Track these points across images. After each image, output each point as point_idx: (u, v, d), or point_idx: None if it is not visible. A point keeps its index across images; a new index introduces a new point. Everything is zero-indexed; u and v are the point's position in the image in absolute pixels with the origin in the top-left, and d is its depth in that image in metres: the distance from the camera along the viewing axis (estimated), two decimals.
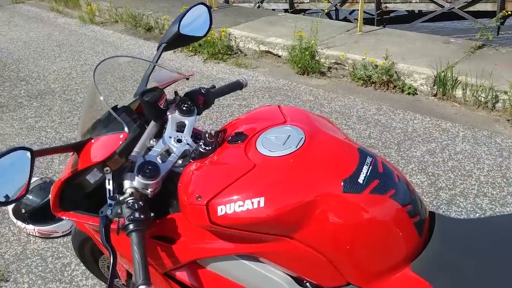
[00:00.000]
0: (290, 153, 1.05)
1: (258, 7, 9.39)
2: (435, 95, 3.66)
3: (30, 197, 2.50)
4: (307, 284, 1.12)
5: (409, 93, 3.76)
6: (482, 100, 3.39)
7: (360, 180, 1.00)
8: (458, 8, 7.56)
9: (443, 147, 3.02)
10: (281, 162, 1.04)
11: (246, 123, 1.22)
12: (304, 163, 1.03)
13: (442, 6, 7.81)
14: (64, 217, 1.31)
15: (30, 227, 2.52)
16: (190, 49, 5.08)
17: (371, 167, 1.04)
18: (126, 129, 1.13)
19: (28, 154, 1.04)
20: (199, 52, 5.05)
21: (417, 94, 3.75)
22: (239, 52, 5.04)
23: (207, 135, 1.18)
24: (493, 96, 3.34)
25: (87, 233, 1.61)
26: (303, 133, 1.10)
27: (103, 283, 2.10)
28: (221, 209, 1.01)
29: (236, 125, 1.24)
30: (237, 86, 1.52)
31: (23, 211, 2.49)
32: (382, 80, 3.85)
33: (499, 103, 3.33)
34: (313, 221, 0.99)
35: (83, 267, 2.32)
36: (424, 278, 1.00)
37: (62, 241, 2.53)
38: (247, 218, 0.99)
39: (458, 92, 3.52)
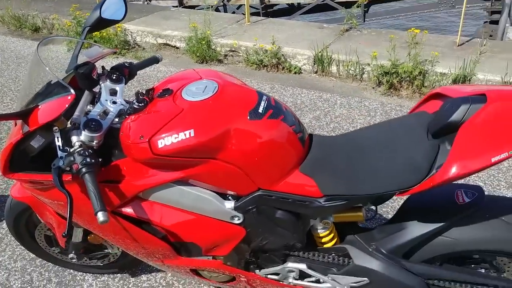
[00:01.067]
0: (208, 97, 1.41)
1: (147, 4, 9.50)
2: (316, 72, 4.24)
3: None
4: (229, 197, 1.48)
5: (295, 72, 4.30)
6: (352, 73, 4.03)
7: (260, 110, 1.40)
8: (330, 0, 8.44)
9: (325, 113, 3.57)
10: (203, 104, 1.39)
11: (170, 83, 1.55)
12: (220, 103, 1.39)
13: None
14: (14, 179, 1.52)
15: None
16: (86, 46, 5.13)
17: (266, 102, 1.45)
18: (72, 91, 1.39)
19: None
20: (89, 47, 5.13)
21: (301, 72, 4.30)
22: (137, 46, 5.23)
23: (139, 94, 1.48)
24: (360, 69, 3.98)
25: (26, 201, 1.80)
26: (217, 83, 1.46)
27: (38, 258, 2.24)
28: (161, 142, 1.33)
29: (162, 85, 1.56)
30: (154, 60, 1.82)
31: None
32: (272, 63, 4.34)
33: (364, 74, 3.99)
34: (230, 143, 1.35)
35: (10, 252, 2.42)
36: (308, 176, 1.43)
37: None
38: (182, 146, 1.32)
39: (333, 68, 4.13)
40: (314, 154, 1.48)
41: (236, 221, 1.49)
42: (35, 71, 1.51)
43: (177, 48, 4.99)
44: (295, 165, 1.44)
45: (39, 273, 2.29)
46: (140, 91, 1.51)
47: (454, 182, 1.33)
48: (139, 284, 2.20)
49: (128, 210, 1.51)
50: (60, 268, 2.29)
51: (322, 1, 8.63)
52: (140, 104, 1.48)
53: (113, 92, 1.55)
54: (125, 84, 1.62)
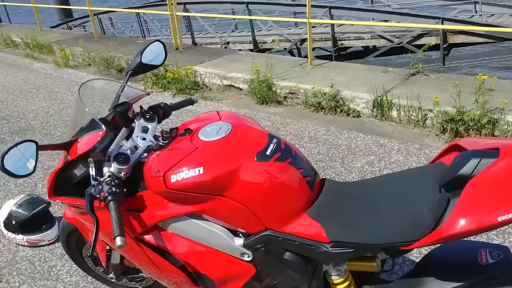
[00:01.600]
0: (220, 138, 1.51)
1: (225, 47, 10.05)
2: (375, 117, 4.20)
3: (20, 210, 2.85)
4: (240, 234, 1.53)
5: (353, 116, 4.29)
6: (414, 118, 3.94)
7: (268, 152, 1.46)
8: (406, 43, 8.35)
9: (380, 159, 3.51)
10: (215, 144, 1.49)
11: (193, 123, 1.68)
12: (230, 144, 1.48)
13: (391, 41, 8.61)
14: (57, 201, 1.71)
15: (20, 237, 2.85)
16: (160, 86, 5.55)
17: (276, 144, 1.51)
18: (103, 127, 1.56)
19: (34, 145, 1.46)
20: (168, 88, 5.52)
21: (360, 116, 4.28)
22: (205, 87, 5.54)
23: (163, 132, 1.62)
24: (423, 115, 3.88)
25: (74, 222, 1.99)
26: (230, 125, 1.55)
27: (88, 275, 2.43)
28: (173, 177, 1.44)
29: (186, 125, 1.69)
30: (189, 102, 1.97)
31: (14, 222, 2.83)
32: (330, 106, 4.38)
33: (428, 120, 3.88)
34: (237, 182, 1.42)
35: (67, 267, 2.66)
36: (316, 220, 1.44)
37: (48, 249, 2.86)
38: (191, 182, 1.42)
39: (394, 113, 4.07)
40: (323, 199, 1.50)
41: (246, 258, 1.54)
42: (78, 109, 1.72)
43: (241, 89, 5.21)
44: (303, 208, 1.47)
45: None
46: (165, 129, 1.65)
47: (479, 240, 1.27)
48: None
49: (149, 238, 1.62)
50: (107, 287, 2.45)
51: (398, 44, 8.57)
52: (165, 142, 1.61)
53: (145, 130, 1.71)
54: (159, 123, 1.77)
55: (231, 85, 5.30)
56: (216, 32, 11.42)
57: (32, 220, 2.83)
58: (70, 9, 15.50)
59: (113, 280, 2.18)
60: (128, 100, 1.73)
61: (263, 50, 9.73)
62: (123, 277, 2.20)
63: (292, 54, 9.95)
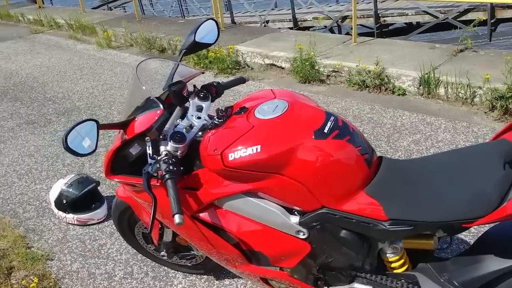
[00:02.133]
0: (277, 116, 1.49)
1: (264, 26, 9.96)
2: (421, 94, 4.08)
3: (70, 189, 2.95)
4: (295, 212, 1.54)
5: (399, 94, 4.18)
6: (461, 96, 3.80)
7: (325, 130, 1.44)
8: (452, 18, 8.01)
9: (426, 137, 3.42)
10: (271, 122, 1.48)
11: (248, 101, 1.67)
12: (287, 122, 1.47)
13: (436, 17, 8.28)
14: (114, 180, 1.75)
15: (70, 216, 2.96)
16: (201, 65, 5.58)
17: (333, 122, 1.49)
18: (161, 106, 1.58)
19: (95, 124, 1.50)
20: (210, 68, 5.54)
21: (406, 94, 4.16)
22: (246, 66, 5.52)
23: (219, 110, 1.63)
24: (471, 92, 3.74)
25: (128, 201, 2.05)
26: (287, 103, 1.54)
27: (138, 253, 2.50)
28: (231, 155, 1.44)
29: (241, 103, 1.69)
30: (241, 80, 1.96)
31: (64, 201, 2.94)
32: (374, 84, 4.28)
33: (476, 98, 3.73)
34: (295, 160, 1.41)
35: (117, 246, 2.75)
36: (374, 198, 1.42)
37: (97, 227, 2.96)
38: (249, 160, 1.42)
39: (441, 91, 3.93)
40: (381, 177, 1.48)
41: (301, 236, 1.54)
42: (135, 88, 1.75)
43: (283, 68, 5.16)
44: (360, 186, 1.45)
45: (139, 267, 2.55)
46: (220, 108, 1.65)
47: None
48: (222, 287, 2.33)
49: (205, 215, 1.65)
50: (157, 265, 2.53)
51: (443, 20, 8.24)
52: (220, 120, 1.62)
53: (200, 109, 1.72)
54: (212, 102, 1.78)
55: (273, 64, 5.25)
56: (256, 10, 11.33)
57: (82, 199, 2.93)
58: None
59: (164, 258, 2.24)
60: (182, 79, 1.75)
61: (303, 28, 9.59)
62: (174, 255, 2.26)
63: (333, 32, 9.75)
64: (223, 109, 1.65)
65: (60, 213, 2.98)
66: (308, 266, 1.66)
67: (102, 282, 2.49)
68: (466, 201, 1.33)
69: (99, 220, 2.99)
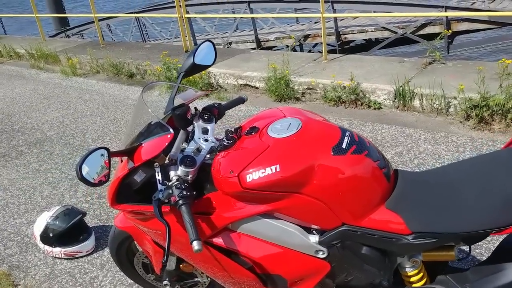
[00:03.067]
0: (293, 134, 1.49)
1: (228, 47, 10.03)
2: (397, 107, 4.19)
3: (57, 222, 2.82)
4: (313, 231, 1.52)
5: (375, 108, 4.28)
6: (437, 107, 3.94)
7: (343, 146, 1.45)
8: (410, 33, 8.34)
9: (408, 149, 3.51)
10: (288, 140, 1.47)
11: (256, 121, 1.66)
12: (304, 139, 1.47)
13: (395, 33, 8.60)
14: (120, 209, 1.69)
15: (57, 250, 2.83)
16: (181, 89, 5.52)
17: (349, 137, 1.50)
18: (171, 130, 1.55)
19: (106, 152, 1.44)
20: (183, 91, 5.49)
21: (382, 108, 4.27)
22: (220, 88, 5.52)
23: (228, 132, 1.61)
24: (446, 103, 3.88)
25: (128, 230, 1.97)
26: (300, 120, 1.54)
27: (135, 283, 2.41)
28: (249, 177, 1.42)
29: (248, 123, 1.68)
30: (240, 101, 1.95)
31: (51, 235, 2.80)
32: (350, 99, 4.37)
33: (451, 108, 3.88)
34: (314, 178, 1.41)
35: (110, 277, 2.64)
36: (395, 212, 1.43)
37: (86, 260, 2.84)
38: (268, 181, 1.41)
39: (416, 102, 4.06)
40: (400, 190, 1.49)
41: (321, 255, 1.53)
42: (139, 113, 1.70)
43: (257, 88, 5.20)
44: (381, 200, 1.46)
45: None
46: (229, 129, 1.63)
47: None
48: None
49: (218, 240, 1.60)
50: None
51: (402, 35, 8.56)
52: (229, 142, 1.59)
53: (205, 131, 1.69)
54: (215, 123, 1.76)
55: (246, 84, 5.29)
56: (218, 32, 11.40)
57: (69, 232, 2.81)
58: (66, 17, 15.46)
59: (167, 287, 2.16)
60: (185, 102, 1.72)
61: (266, 48, 9.71)
62: (176, 283, 2.19)
63: (295, 51, 9.93)
64: (233, 130, 1.64)
65: (46, 247, 2.85)
66: (326, 286, 1.64)
67: None
68: (492, 210, 1.35)
69: (88, 252, 2.87)
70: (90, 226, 3.02)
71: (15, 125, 5.40)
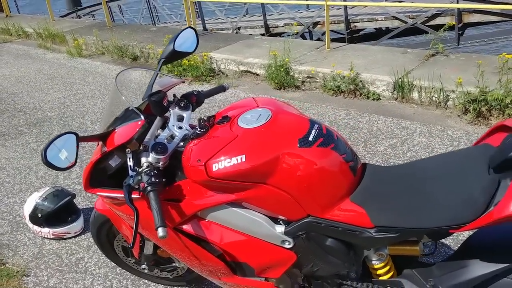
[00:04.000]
0: (261, 125, 1.48)
1: (236, 33, 9.97)
2: (395, 99, 4.15)
3: (45, 203, 2.86)
4: (280, 221, 1.53)
5: (373, 99, 4.24)
6: (435, 100, 3.88)
7: (310, 138, 1.44)
8: (420, 23, 8.21)
9: (402, 141, 3.47)
10: (255, 131, 1.47)
11: (230, 110, 1.66)
12: (271, 131, 1.46)
13: (405, 22, 8.47)
14: (93, 193, 1.71)
15: (45, 230, 2.87)
16: (176, 73, 5.53)
17: (317, 130, 1.49)
18: (142, 117, 1.55)
19: (74, 137, 1.45)
20: (184, 75, 5.49)
21: (380, 99, 4.23)
22: (221, 73, 5.51)
23: (201, 120, 1.61)
24: (444, 96, 3.83)
25: (107, 214, 1.99)
26: (270, 112, 1.53)
27: (117, 266, 2.44)
28: (215, 166, 1.42)
29: (222, 112, 1.67)
30: (221, 89, 1.94)
31: (40, 215, 2.84)
32: (349, 89, 4.33)
33: (449, 101, 3.82)
34: (280, 169, 1.41)
35: (95, 259, 2.68)
36: (360, 205, 1.43)
37: (74, 241, 2.88)
38: (233, 171, 1.41)
39: (415, 95, 4.01)
40: (366, 184, 1.48)
41: (287, 245, 1.53)
42: (114, 98, 1.71)
43: (257, 75, 5.17)
44: (346, 193, 1.46)
45: (118, 281, 2.49)
46: (202, 117, 1.63)
47: None
48: None
49: (188, 227, 1.62)
50: (137, 278, 2.47)
51: (412, 25, 8.43)
52: (202, 130, 1.59)
53: (181, 118, 1.69)
54: (193, 111, 1.75)
55: (247, 71, 5.26)
56: (227, 17, 11.33)
57: (57, 213, 2.85)
58: None
59: (145, 271, 2.19)
60: (162, 89, 1.72)
61: (275, 35, 9.65)
62: (155, 268, 2.21)
63: (304, 38, 9.85)
64: (205, 119, 1.63)
65: (35, 227, 2.89)
66: (293, 275, 1.65)
67: None
68: (453, 207, 1.34)
69: (76, 234, 2.91)
70: (80, 208, 3.05)
71: (17, 105, 5.45)
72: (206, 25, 10.75)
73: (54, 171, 3.68)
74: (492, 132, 1.53)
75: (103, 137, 1.63)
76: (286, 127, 1.48)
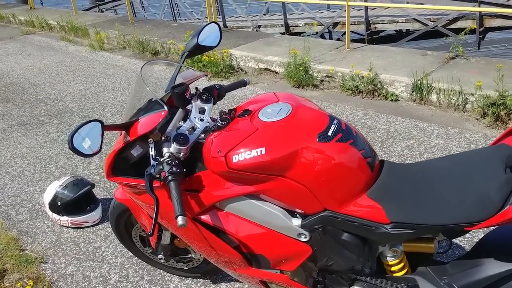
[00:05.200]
0: (281, 119, 1.51)
1: (256, 31, 9.99)
2: (414, 100, 4.13)
3: (65, 191, 2.93)
4: (297, 215, 1.55)
5: (392, 100, 4.23)
6: (453, 102, 3.86)
7: (329, 133, 1.46)
8: (441, 26, 8.13)
9: (419, 143, 3.47)
10: (276, 125, 1.50)
11: (251, 104, 1.69)
12: (292, 125, 1.49)
13: (426, 25, 8.40)
14: (115, 181, 1.75)
15: (64, 218, 2.94)
16: (195, 68, 5.58)
17: (336, 126, 1.51)
18: (165, 108, 1.59)
19: (100, 125, 1.50)
20: (203, 71, 5.54)
21: (398, 100, 4.22)
22: (240, 70, 5.54)
23: (222, 113, 1.64)
24: (463, 99, 3.80)
25: (126, 203, 2.04)
26: (291, 106, 1.56)
27: (134, 256, 2.49)
28: (235, 157, 1.46)
29: (243, 106, 1.70)
30: (242, 83, 1.98)
31: (59, 203, 2.91)
32: (368, 89, 4.33)
33: (468, 104, 3.80)
34: (298, 162, 1.43)
35: (112, 249, 2.73)
36: (376, 201, 1.45)
37: (92, 230, 2.94)
38: (253, 163, 1.44)
39: (433, 97, 3.99)
40: (383, 180, 1.50)
41: (303, 238, 1.56)
42: (138, 89, 1.75)
43: (276, 73, 5.19)
44: (363, 189, 1.47)
45: (134, 270, 2.54)
46: (223, 110, 1.66)
47: None
48: None
49: (206, 218, 1.65)
50: (152, 268, 2.52)
51: (433, 28, 8.35)
52: (223, 122, 1.63)
53: (202, 111, 1.73)
54: (214, 104, 1.79)
55: (266, 69, 5.29)
56: (248, 15, 11.37)
57: (77, 202, 2.92)
58: None
59: (161, 261, 2.24)
60: (185, 81, 1.76)
61: (295, 34, 9.64)
62: (171, 258, 2.26)
63: (324, 38, 9.83)
64: (226, 112, 1.67)
65: (54, 215, 2.96)
66: (308, 269, 1.68)
67: (97, 285, 2.48)
68: (468, 205, 1.35)
69: (94, 223, 2.97)
70: (98, 198, 3.12)
71: (39, 95, 5.56)
72: (227, 22, 10.80)
73: (73, 160, 3.78)
74: (509, 133, 1.53)
75: (127, 127, 1.67)
76: (306, 122, 1.51)
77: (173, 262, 2.32)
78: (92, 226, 2.97)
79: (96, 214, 2.98)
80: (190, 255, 2.24)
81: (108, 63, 6.65)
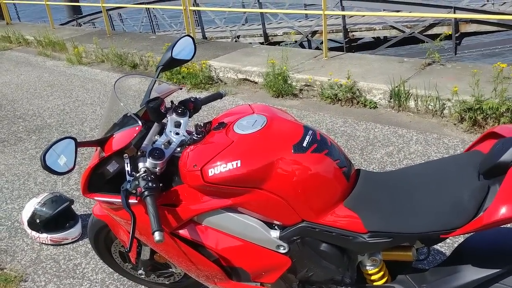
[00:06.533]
0: (256, 131, 1.51)
1: (235, 41, 10.04)
2: (392, 107, 4.18)
3: (44, 209, 2.88)
4: (275, 226, 1.55)
5: (370, 107, 4.28)
6: (431, 108, 3.92)
7: (304, 144, 1.47)
8: (417, 33, 8.28)
9: (399, 149, 3.50)
10: (251, 137, 1.50)
11: (226, 116, 1.69)
12: (267, 136, 1.49)
13: (403, 32, 8.54)
14: (91, 198, 1.73)
15: (44, 236, 2.88)
16: (175, 80, 5.57)
17: (311, 136, 1.52)
18: (139, 123, 1.58)
19: (73, 142, 1.48)
20: (183, 83, 5.53)
21: (377, 107, 4.27)
22: (220, 81, 5.55)
23: (197, 126, 1.64)
24: (440, 105, 3.86)
25: (104, 219, 2.01)
26: (266, 118, 1.56)
27: (115, 272, 2.45)
28: (211, 171, 1.45)
29: (219, 118, 1.70)
30: (218, 96, 1.97)
31: (38, 221, 2.86)
32: (346, 97, 4.37)
33: (445, 110, 3.86)
34: (274, 174, 1.43)
35: (93, 265, 2.69)
36: (353, 211, 1.45)
37: (71, 247, 2.89)
38: (229, 176, 1.43)
39: (411, 103, 4.05)
40: (359, 189, 1.51)
41: (282, 250, 1.55)
42: (113, 104, 1.74)
43: (256, 83, 5.21)
44: (339, 199, 1.48)
45: (115, 286, 2.49)
46: (199, 124, 1.66)
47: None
48: None
49: (184, 232, 1.64)
50: (134, 284, 2.48)
51: (410, 34, 8.50)
52: (198, 136, 1.62)
53: (178, 124, 1.72)
54: (189, 117, 1.78)
55: (246, 79, 5.30)
56: (226, 25, 11.42)
57: (56, 219, 2.87)
58: (79, 6, 15.58)
59: (142, 276, 2.21)
60: (160, 95, 1.75)
61: (274, 43, 9.72)
62: (151, 273, 2.23)
63: (303, 47, 9.92)
64: (202, 125, 1.66)
65: (34, 233, 2.91)
66: (288, 280, 1.67)
67: None
68: (443, 212, 1.37)
69: (74, 239, 2.92)
70: (78, 214, 3.07)
71: (17, 111, 5.48)
72: (206, 33, 10.83)
73: (52, 176, 3.71)
74: (482, 139, 1.56)
75: (102, 143, 1.65)
76: (281, 133, 1.52)
77: (154, 277, 2.29)
78: (72, 242, 2.92)
79: (75, 231, 2.93)
80: (171, 269, 2.21)
81: (86, 77, 6.59)
